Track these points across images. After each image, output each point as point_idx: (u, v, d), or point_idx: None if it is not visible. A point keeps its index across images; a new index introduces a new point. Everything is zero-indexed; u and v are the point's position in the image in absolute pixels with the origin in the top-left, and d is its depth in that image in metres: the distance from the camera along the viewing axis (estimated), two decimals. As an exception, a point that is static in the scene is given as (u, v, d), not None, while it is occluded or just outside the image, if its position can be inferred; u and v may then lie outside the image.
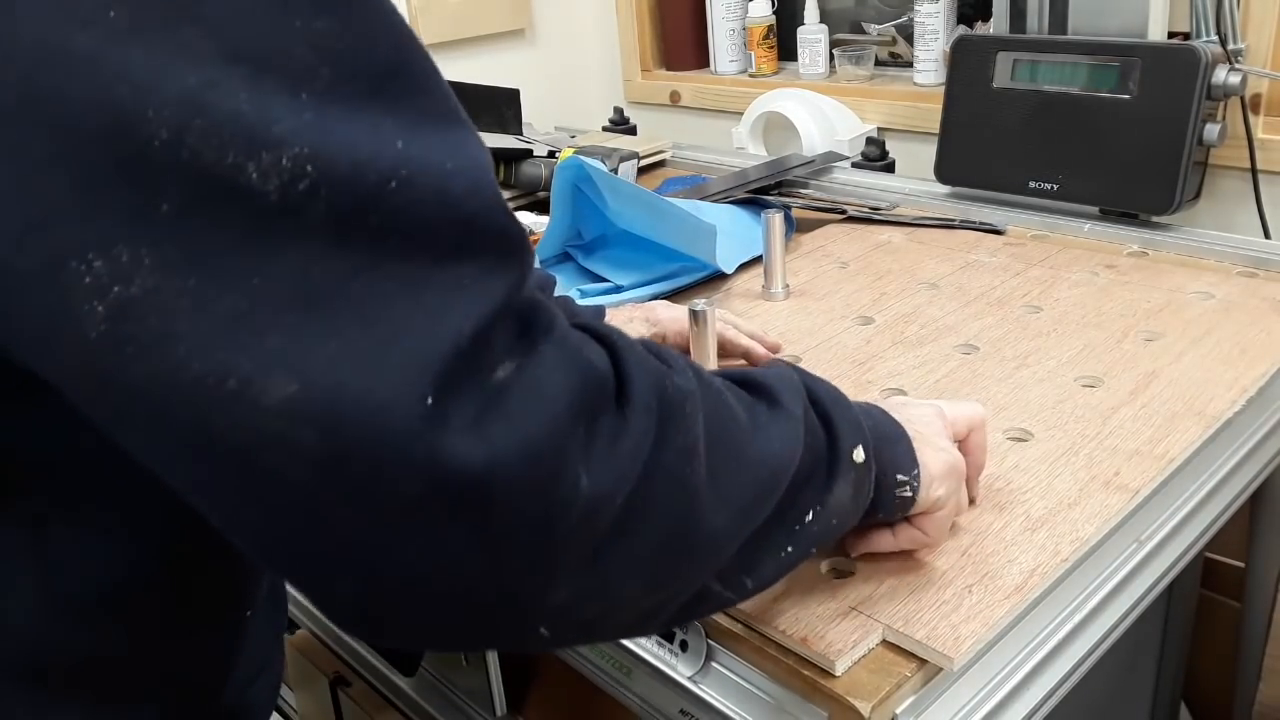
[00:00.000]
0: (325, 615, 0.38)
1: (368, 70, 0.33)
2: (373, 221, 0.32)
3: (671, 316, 0.83)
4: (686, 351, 0.82)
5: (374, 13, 0.34)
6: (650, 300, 0.91)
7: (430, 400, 0.32)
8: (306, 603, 1.00)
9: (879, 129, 1.48)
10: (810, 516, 0.48)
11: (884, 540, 0.58)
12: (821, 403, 0.50)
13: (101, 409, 0.34)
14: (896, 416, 0.56)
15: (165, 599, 0.48)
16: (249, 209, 0.31)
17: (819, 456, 0.49)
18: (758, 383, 0.48)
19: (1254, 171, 1.12)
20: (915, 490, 0.55)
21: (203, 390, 0.31)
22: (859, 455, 0.50)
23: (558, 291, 0.89)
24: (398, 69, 0.34)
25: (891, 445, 0.54)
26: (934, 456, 0.56)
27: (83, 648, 0.46)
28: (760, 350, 0.85)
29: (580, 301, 0.85)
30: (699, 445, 0.41)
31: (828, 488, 0.49)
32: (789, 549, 0.48)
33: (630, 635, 0.54)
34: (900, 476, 0.54)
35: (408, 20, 1.60)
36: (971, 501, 0.63)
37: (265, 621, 0.57)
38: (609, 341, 0.40)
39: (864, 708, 0.51)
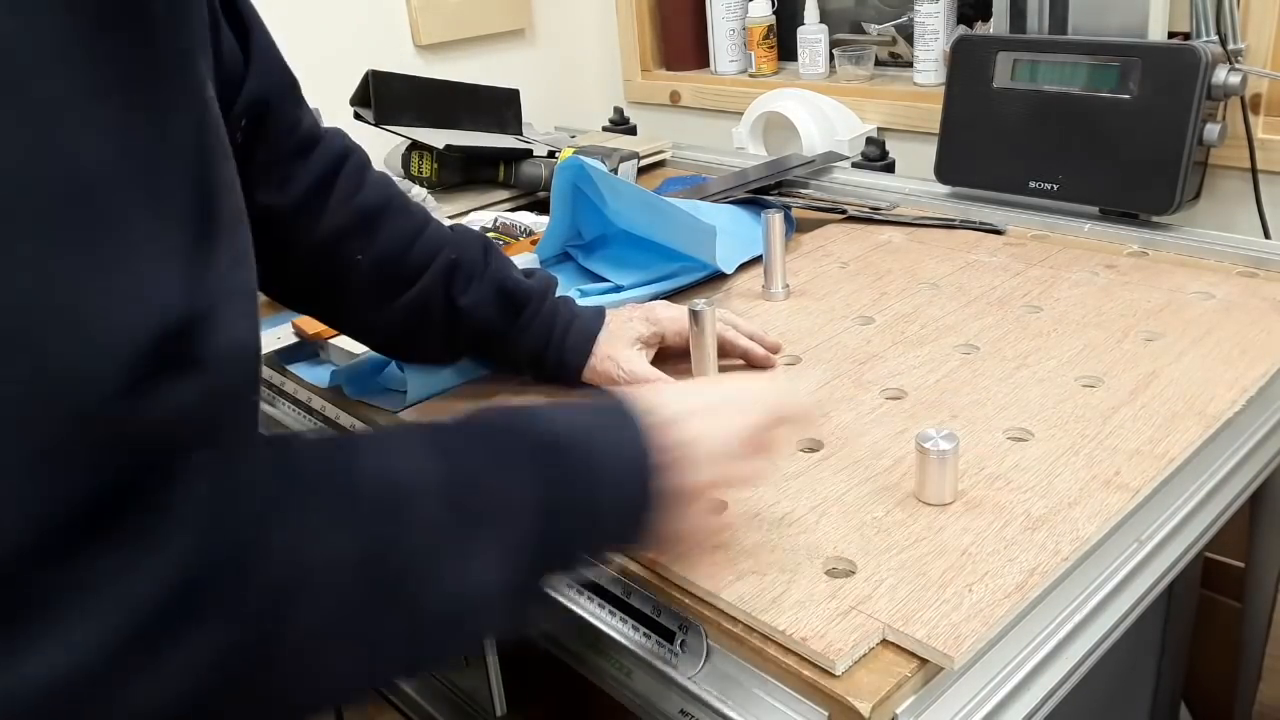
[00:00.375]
0: None
1: (50, 189, 0.32)
2: None
3: (671, 316, 0.83)
4: (687, 352, 0.82)
5: (52, 135, 0.33)
6: (650, 300, 0.91)
7: None
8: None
9: (879, 129, 1.48)
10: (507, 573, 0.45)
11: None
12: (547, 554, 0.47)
13: None
14: (658, 486, 0.51)
15: None
16: None
17: (512, 579, 0.46)
18: (461, 499, 0.44)
19: (1254, 171, 1.12)
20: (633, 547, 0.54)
21: None
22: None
23: (559, 291, 0.89)
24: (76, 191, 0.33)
25: (622, 531, 0.51)
26: (672, 524, 0.52)
27: None
28: (759, 351, 0.85)
29: (580, 301, 0.85)
30: (281, 649, 0.38)
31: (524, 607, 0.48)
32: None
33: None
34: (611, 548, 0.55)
35: (408, 22, 1.59)
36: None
37: None
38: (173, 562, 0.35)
39: (864, 708, 0.51)
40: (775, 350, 0.87)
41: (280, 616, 0.37)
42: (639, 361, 0.80)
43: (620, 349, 0.81)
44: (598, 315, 0.83)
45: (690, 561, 0.60)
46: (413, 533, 0.42)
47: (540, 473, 0.47)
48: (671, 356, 0.85)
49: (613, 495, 0.50)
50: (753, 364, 0.85)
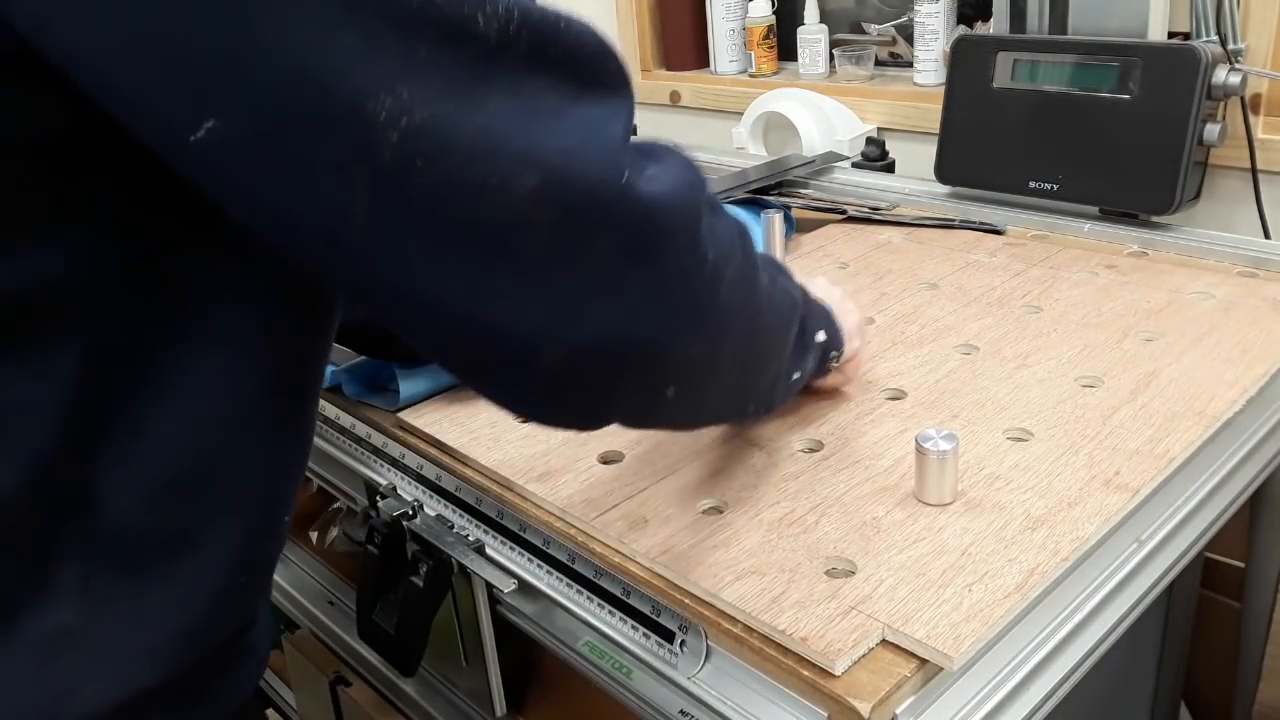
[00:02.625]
0: (508, 398, 0.49)
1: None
2: (552, 54, 0.42)
3: None
4: None
5: None
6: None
7: (623, 178, 0.43)
8: (307, 602, 1.00)
9: (879, 129, 1.48)
10: (798, 375, 0.67)
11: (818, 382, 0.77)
12: (801, 290, 0.66)
13: (379, 226, 0.41)
14: (817, 295, 0.72)
15: (239, 478, 0.53)
16: (479, 49, 0.40)
17: (803, 327, 0.65)
18: (767, 256, 0.60)
19: (1254, 171, 1.12)
20: (839, 358, 0.74)
21: (472, 189, 0.40)
22: (820, 336, 0.69)
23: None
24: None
25: (832, 323, 0.71)
26: (849, 319, 0.75)
27: (166, 527, 0.50)
28: None
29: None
30: (758, 264, 0.55)
31: (805, 352, 0.67)
32: (789, 384, 0.66)
33: (710, 421, 0.66)
34: (834, 352, 0.72)
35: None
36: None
37: (286, 530, 0.61)
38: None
39: (864, 708, 0.51)
40: None
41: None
42: None
43: None
44: None
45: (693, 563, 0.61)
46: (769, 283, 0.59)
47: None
48: None
49: (837, 334, 0.73)
50: None
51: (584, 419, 0.51)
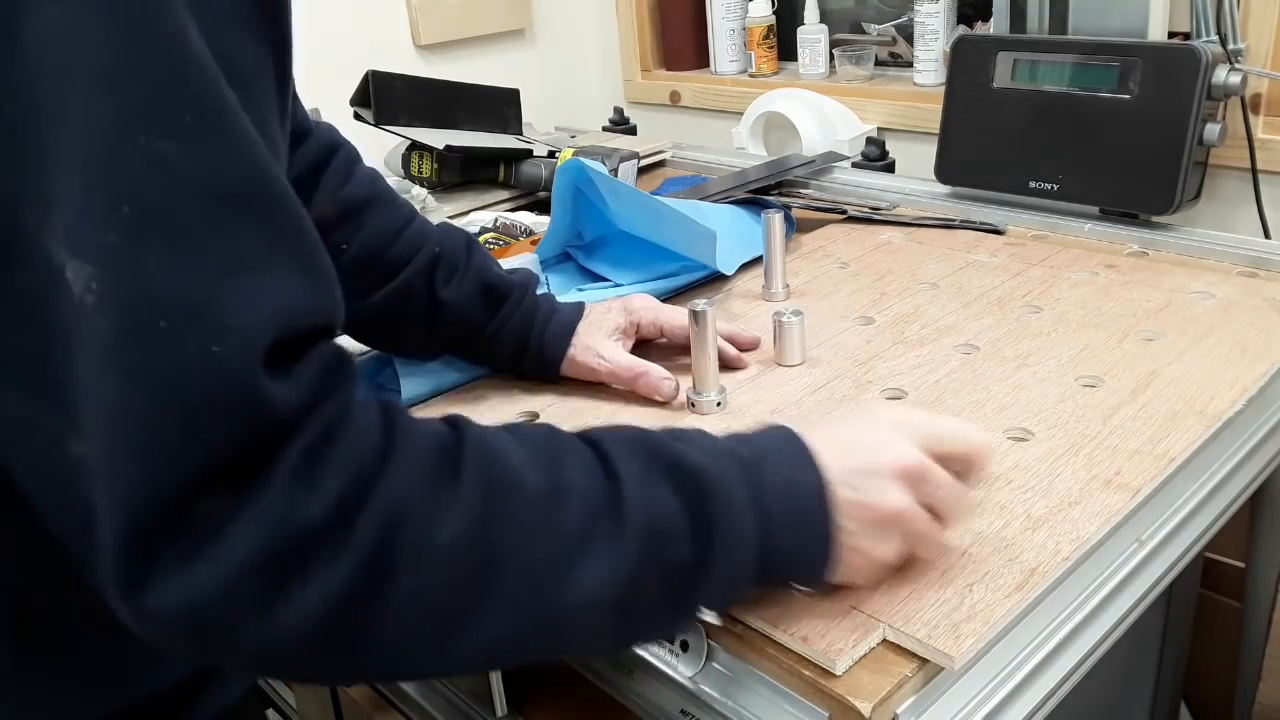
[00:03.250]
0: None
1: (201, 199, 0.38)
2: (131, 354, 0.37)
3: (644, 305, 0.85)
4: (674, 343, 0.84)
5: (226, 144, 0.39)
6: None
7: (122, 548, 0.37)
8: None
9: (879, 129, 1.48)
10: (641, 640, 0.54)
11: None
12: (710, 535, 0.48)
13: None
14: (839, 507, 0.52)
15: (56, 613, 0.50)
16: (64, 302, 0.36)
17: (664, 602, 0.48)
18: (621, 500, 0.46)
19: (1254, 171, 1.12)
20: (808, 589, 0.56)
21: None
22: (709, 615, 0.53)
23: (557, 292, 0.90)
24: (236, 203, 0.39)
25: (797, 561, 0.53)
26: (867, 553, 0.53)
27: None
28: (731, 350, 0.85)
29: (578, 298, 0.85)
30: (432, 592, 0.41)
31: (663, 626, 0.52)
32: (608, 647, 0.52)
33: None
34: (796, 584, 0.56)
35: (408, 23, 1.59)
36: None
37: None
38: (380, 462, 0.41)
39: (865, 708, 0.51)
40: (754, 345, 0.87)
41: (391, 569, 0.40)
42: (618, 351, 0.82)
43: (599, 339, 0.82)
44: (577, 308, 0.84)
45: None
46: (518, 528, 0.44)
47: (795, 520, 0.51)
48: (652, 347, 0.86)
49: (812, 576, 0.54)
50: (723, 364, 0.83)
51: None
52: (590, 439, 0.49)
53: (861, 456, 0.53)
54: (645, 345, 0.86)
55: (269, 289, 0.39)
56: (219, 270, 0.38)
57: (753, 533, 0.49)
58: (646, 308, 0.85)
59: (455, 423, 0.46)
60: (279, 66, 0.45)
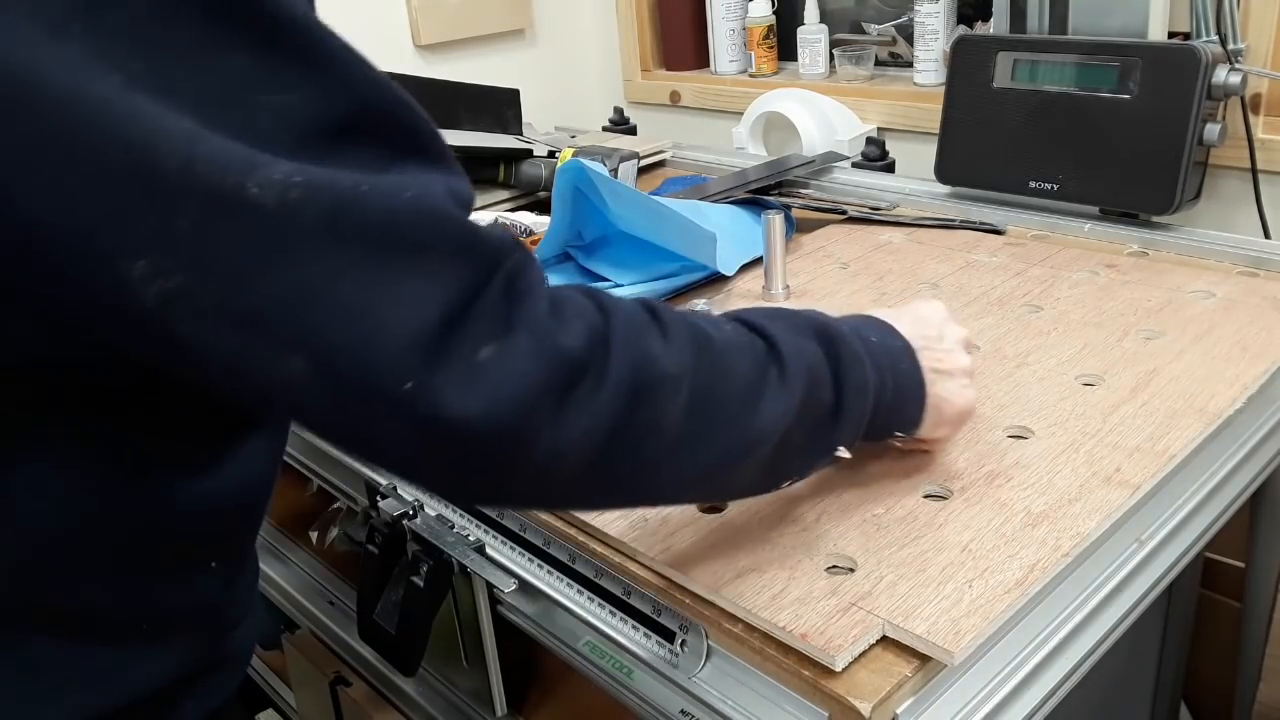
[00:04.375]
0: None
1: (329, 130, 0.40)
2: (351, 224, 0.39)
3: None
4: None
5: (334, 76, 0.41)
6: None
7: (410, 383, 0.39)
8: (307, 602, 1.00)
9: (879, 129, 1.48)
10: (788, 479, 0.57)
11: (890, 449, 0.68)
12: (842, 382, 0.55)
13: (152, 359, 0.41)
14: (926, 360, 0.61)
15: (153, 545, 0.52)
16: (251, 219, 0.37)
17: (813, 438, 0.55)
18: (778, 351, 0.52)
19: (1254, 171, 1.12)
20: (904, 439, 0.63)
21: (232, 359, 0.39)
22: (842, 452, 0.57)
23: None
24: (359, 123, 0.41)
25: (901, 409, 0.60)
26: (955, 401, 0.63)
27: (67, 593, 0.50)
28: None
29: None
30: (669, 421, 0.46)
31: (811, 462, 0.57)
32: (764, 484, 0.56)
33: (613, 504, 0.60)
34: (897, 433, 0.62)
35: (408, 22, 1.60)
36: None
37: (238, 568, 0.60)
38: (604, 316, 0.45)
39: (864, 707, 0.51)
40: None
41: (640, 400, 0.45)
42: None
43: None
44: None
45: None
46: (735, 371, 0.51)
47: (894, 371, 0.59)
48: None
49: (912, 418, 0.62)
50: None
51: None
52: (726, 314, 0.55)
53: (930, 327, 0.64)
54: None
55: (422, 175, 0.42)
56: (375, 171, 0.40)
57: (872, 380, 0.57)
58: None
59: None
60: None
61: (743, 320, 0.53)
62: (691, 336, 0.48)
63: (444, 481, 0.44)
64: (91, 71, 0.36)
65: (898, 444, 0.66)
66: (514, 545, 0.71)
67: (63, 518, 0.49)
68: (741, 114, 1.58)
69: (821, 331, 0.55)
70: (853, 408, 0.55)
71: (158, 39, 0.37)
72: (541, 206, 1.28)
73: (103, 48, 0.36)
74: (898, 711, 0.53)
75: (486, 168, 1.36)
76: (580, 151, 1.30)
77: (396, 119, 0.42)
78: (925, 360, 0.61)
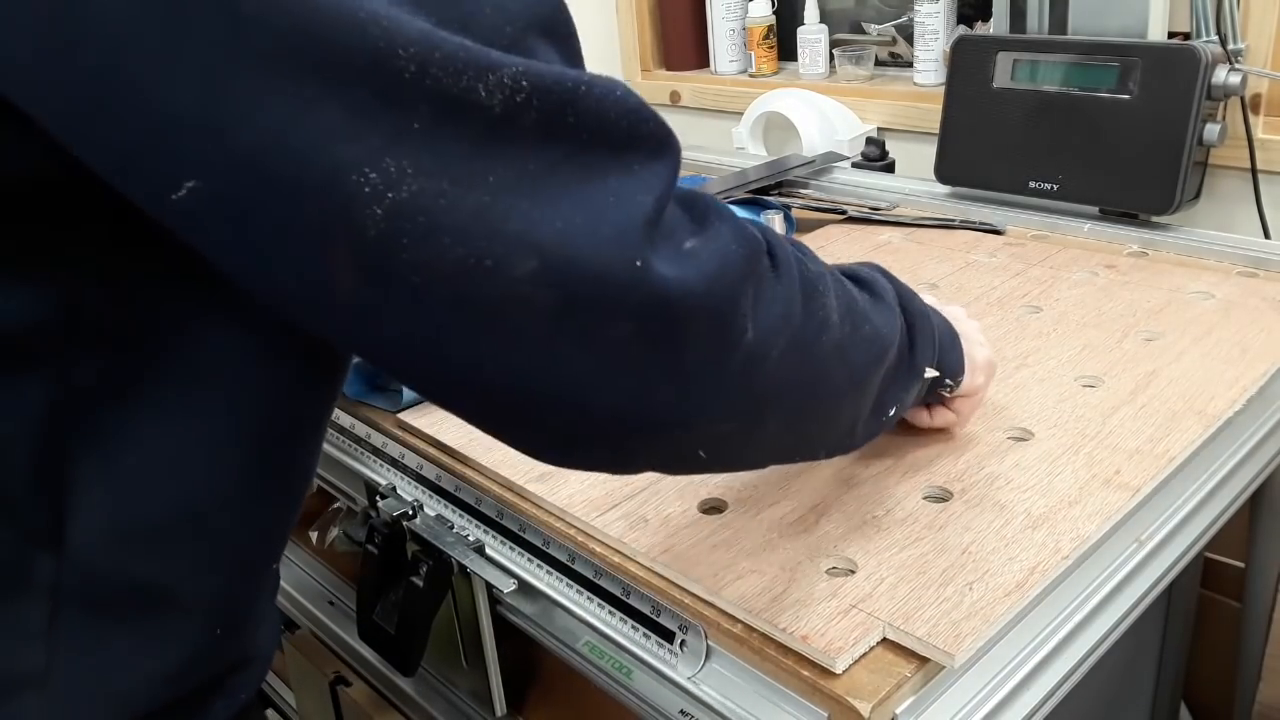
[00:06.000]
0: (526, 449, 0.46)
1: (536, 27, 0.42)
2: (570, 121, 0.40)
3: None
4: None
5: None
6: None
7: (638, 261, 0.40)
8: (307, 602, 1.00)
9: (879, 129, 1.48)
10: (893, 411, 0.59)
11: (921, 417, 0.71)
12: (908, 312, 0.59)
13: (365, 298, 0.39)
14: (949, 318, 0.67)
15: (222, 530, 0.52)
16: (481, 121, 0.38)
17: (904, 359, 0.59)
18: (860, 277, 0.57)
19: (1254, 171, 1.12)
20: (954, 388, 0.67)
21: (464, 270, 0.39)
22: (930, 372, 0.62)
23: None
24: (555, 26, 0.43)
25: (948, 351, 0.65)
26: (979, 351, 0.69)
27: (138, 574, 0.49)
28: None
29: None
30: (832, 317, 0.50)
31: (906, 388, 0.60)
32: (880, 423, 0.59)
33: (768, 463, 0.61)
34: (948, 380, 0.66)
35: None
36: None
37: (276, 575, 0.60)
38: (755, 224, 0.48)
39: (864, 708, 0.51)
40: None
41: (810, 309, 0.49)
42: None
43: None
44: None
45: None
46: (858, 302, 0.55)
47: (931, 317, 0.63)
48: None
49: (957, 361, 0.66)
50: None
51: (611, 470, 0.50)
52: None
53: (952, 311, 0.70)
54: None
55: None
56: (581, 61, 0.43)
57: (933, 329, 0.62)
58: None
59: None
60: None
61: (820, 269, 0.56)
62: (804, 251, 0.52)
63: (665, 369, 0.44)
64: None
65: (945, 404, 0.70)
66: (513, 545, 0.71)
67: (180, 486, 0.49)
68: (741, 114, 1.58)
69: (892, 287, 0.60)
70: (923, 335, 0.61)
71: None
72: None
73: None
74: (897, 712, 0.53)
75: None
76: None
77: (572, 25, 0.45)
78: (945, 317, 0.67)
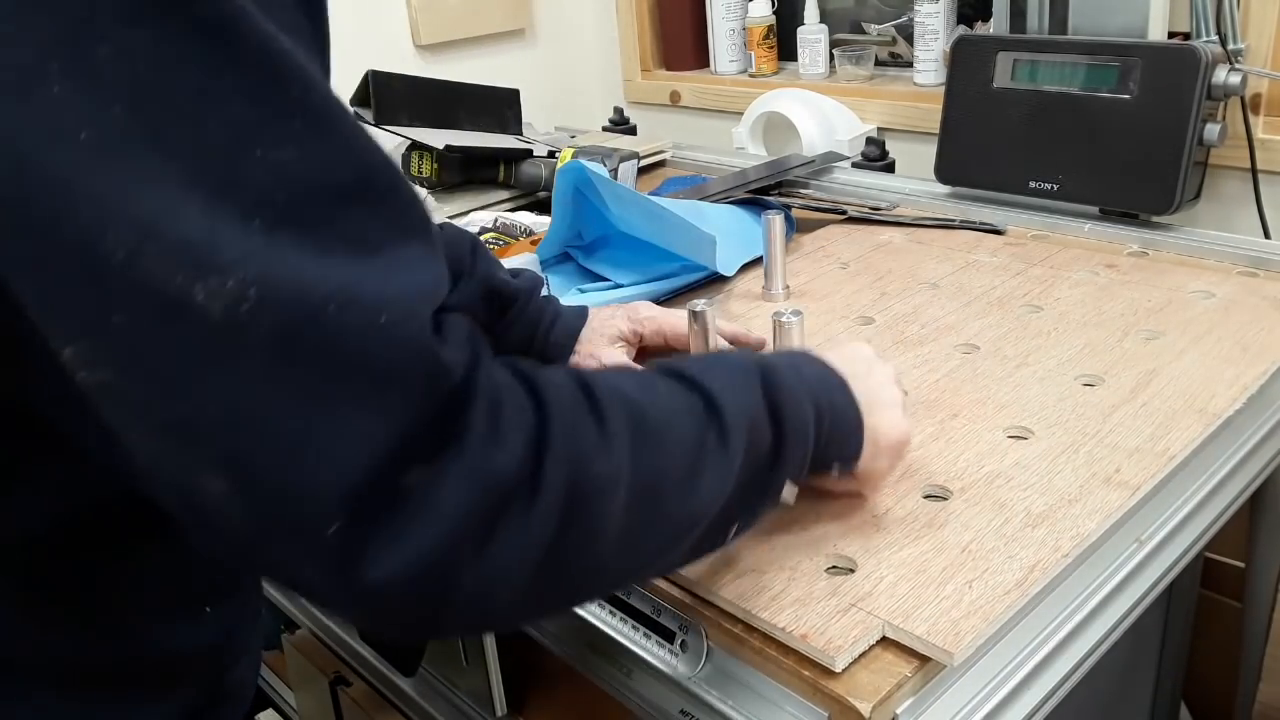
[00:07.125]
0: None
1: (324, 196, 0.37)
2: (306, 346, 0.36)
3: (650, 315, 0.84)
4: (667, 351, 0.83)
5: (337, 138, 0.38)
6: (650, 300, 0.91)
7: (337, 525, 0.37)
8: (307, 602, 1.00)
9: (879, 129, 1.48)
10: (733, 531, 0.52)
11: (825, 480, 0.62)
12: (782, 423, 0.52)
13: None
14: (859, 391, 0.60)
15: (118, 592, 0.51)
16: (195, 325, 0.35)
17: (754, 485, 0.51)
18: (717, 408, 0.49)
19: (1254, 171, 1.12)
20: (843, 472, 0.60)
21: (154, 466, 0.37)
22: (789, 494, 0.55)
23: (557, 292, 0.90)
24: (356, 193, 0.38)
25: (841, 441, 0.59)
26: (888, 429, 0.61)
27: (44, 641, 0.49)
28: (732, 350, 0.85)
29: (580, 300, 0.85)
30: (608, 523, 0.44)
31: (756, 511, 0.53)
32: (712, 545, 0.53)
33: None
34: (838, 464, 0.59)
35: (408, 22, 1.60)
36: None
37: (238, 610, 0.59)
38: (540, 416, 0.42)
39: (864, 708, 0.51)
40: (760, 347, 0.87)
41: (580, 506, 0.42)
42: (620, 358, 0.81)
43: (602, 346, 0.82)
44: (580, 313, 0.84)
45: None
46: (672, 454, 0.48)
47: (829, 403, 0.57)
48: (654, 355, 0.85)
49: (852, 449, 0.59)
50: None
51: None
52: (660, 367, 0.52)
53: (860, 363, 0.63)
54: (647, 352, 0.86)
55: (411, 263, 0.39)
56: (364, 253, 0.37)
57: (810, 418, 0.55)
58: (650, 315, 0.84)
59: (564, 370, 0.48)
60: (324, 61, 0.46)
61: (681, 374, 0.51)
62: (627, 417, 0.45)
63: (368, 623, 0.43)
64: (61, 128, 0.33)
65: (833, 485, 0.64)
66: (514, 545, 0.71)
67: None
68: (741, 114, 1.58)
69: (759, 375, 0.53)
70: (794, 451, 0.54)
71: (148, 79, 0.34)
72: (541, 206, 1.28)
73: (81, 89, 0.33)
74: (897, 711, 0.53)
75: (486, 168, 1.36)
76: (580, 152, 1.30)
77: (395, 192, 0.40)
78: (858, 391, 0.60)
